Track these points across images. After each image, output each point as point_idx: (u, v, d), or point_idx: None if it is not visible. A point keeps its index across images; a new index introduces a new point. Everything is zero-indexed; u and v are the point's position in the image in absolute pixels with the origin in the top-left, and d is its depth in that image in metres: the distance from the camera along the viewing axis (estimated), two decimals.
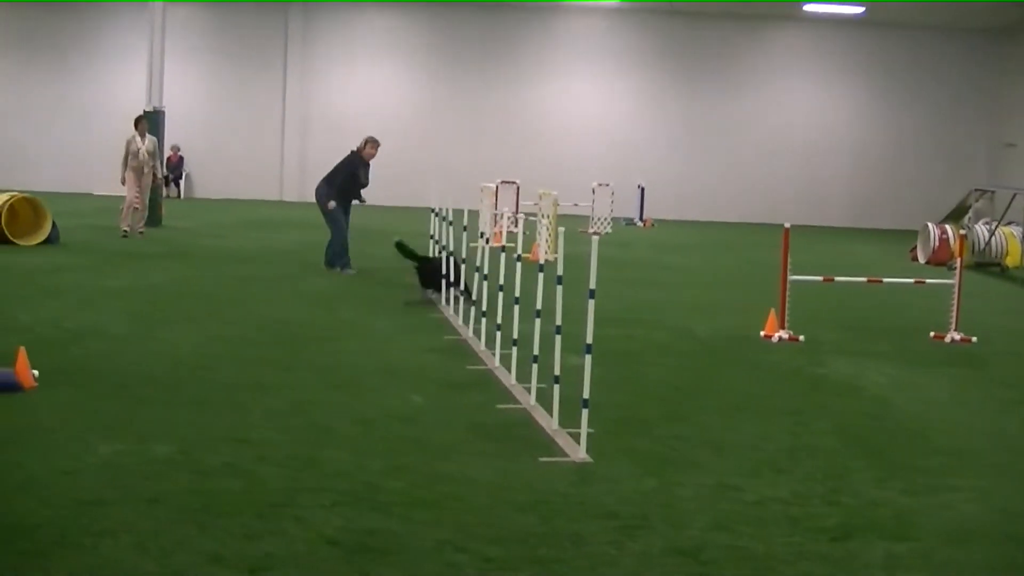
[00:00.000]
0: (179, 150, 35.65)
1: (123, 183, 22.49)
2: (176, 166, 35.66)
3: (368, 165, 18.11)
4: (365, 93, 36.99)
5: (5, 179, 29.66)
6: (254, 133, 36.35)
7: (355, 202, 18.29)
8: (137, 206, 22.35)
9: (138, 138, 22.38)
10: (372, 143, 18.08)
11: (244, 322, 12.96)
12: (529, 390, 9.16)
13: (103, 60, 36.73)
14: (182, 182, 36.12)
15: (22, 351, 9.20)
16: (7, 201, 19.89)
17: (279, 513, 6.35)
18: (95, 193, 34.60)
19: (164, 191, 27.33)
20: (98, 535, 5.92)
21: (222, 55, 36.62)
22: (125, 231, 22.23)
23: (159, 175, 23.54)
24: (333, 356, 11.03)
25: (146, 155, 22.38)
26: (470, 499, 6.73)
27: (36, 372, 9.23)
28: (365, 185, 18.17)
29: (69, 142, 36.32)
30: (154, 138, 23.00)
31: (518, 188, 27.43)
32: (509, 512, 6.52)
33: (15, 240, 19.60)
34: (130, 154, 22.33)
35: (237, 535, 5.98)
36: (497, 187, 24.14)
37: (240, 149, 36.20)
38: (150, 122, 24.81)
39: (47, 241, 20.09)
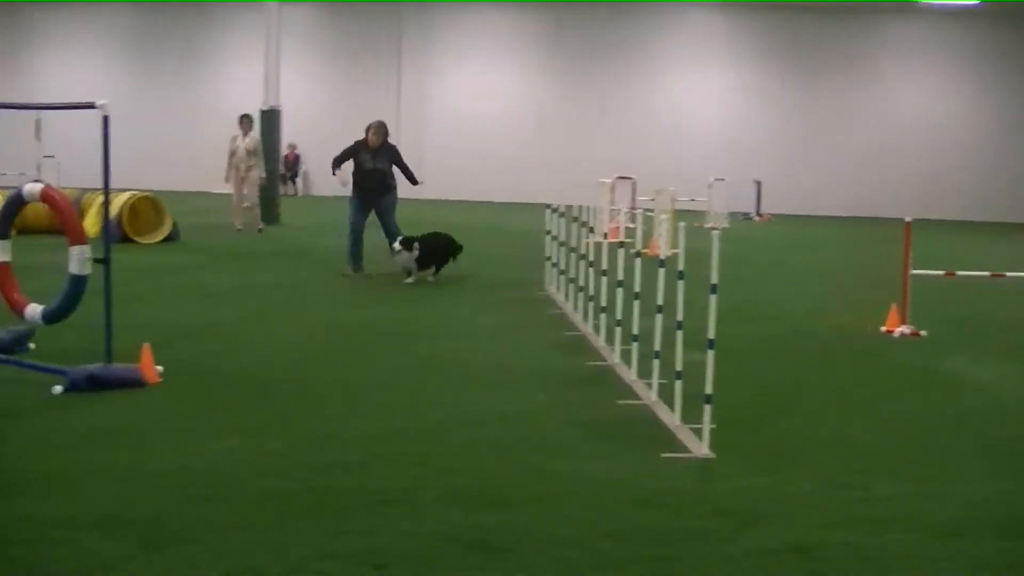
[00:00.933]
0: (295, 148, 36.00)
1: (227, 181, 23.05)
2: (293, 164, 36.02)
3: (374, 151, 16.79)
4: (479, 90, 37.05)
5: (127, 179, 30.06)
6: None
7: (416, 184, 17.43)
8: (246, 204, 22.63)
9: (240, 137, 22.66)
10: (372, 128, 17.03)
11: (359, 320, 13.03)
12: (650, 386, 9.08)
13: (220, 61, 37.24)
14: (299, 180, 36.45)
15: (147, 348, 9.34)
16: (128, 200, 20.23)
17: (394, 509, 6.35)
18: (213, 191, 35.05)
19: (281, 189, 27.60)
20: (215, 530, 5.96)
21: (337, 54, 36.91)
22: (239, 228, 22.67)
23: (261, 174, 23.60)
24: (451, 353, 11.04)
25: (244, 153, 22.61)
26: (589, 495, 6.68)
27: (160, 368, 9.36)
28: (371, 171, 16.75)
29: (188, 141, 36.85)
30: (257, 137, 23.18)
31: (634, 184, 27.30)
32: (629, 508, 6.47)
33: (136, 239, 19.93)
34: (231, 152, 22.72)
35: (352, 531, 5.99)
36: (613, 183, 24.05)
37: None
38: (266, 121, 25.14)
39: (167, 239, 20.41)
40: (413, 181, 17.32)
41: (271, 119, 25.51)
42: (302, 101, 35.02)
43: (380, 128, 16.98)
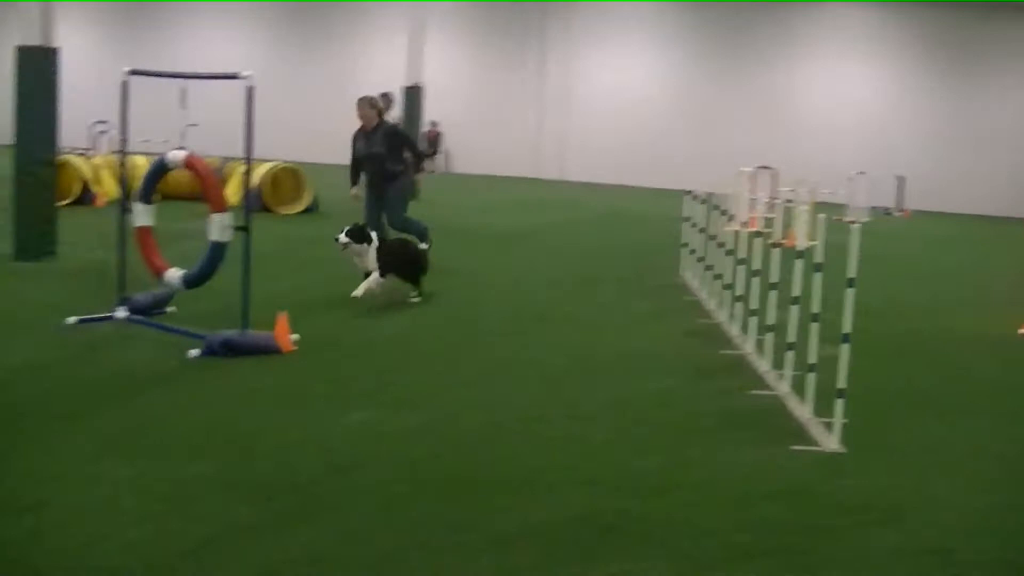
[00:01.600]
0: (437, 126, 36.20)
1: None
2: (434, 142, 36.23)
3: (367, 134, 14.13)
4: (622, 75, 36.90)
5: (268, 149, 30.45)
6: (512, 111, 36.62)
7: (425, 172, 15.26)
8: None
9: None
10: (357, 106, 14.23)
11: (498, 300, 13.06)
12: (783, 377, 8.97)
13: (364, 35, 37.52)
14: (441, 158, 36.66)
15: (283, 316, 9.46)
16: (270, 171, 20.52)
17: (527, 489, 6.35)
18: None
19: (422, 166, 27.78)
20: (351, 500, 6.02)
21: (482, 35, 37.01)
22: None
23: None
24: (586, 337, 11.02)
25: None
26: (720, 484, 6.62)
27: (296, 336, 9.47)
28: (365, 157, 14.13)
29: (331, 114, 37.21)
30: (396, 115, 22.99)
31: (775, 174, 26.98)
32: (759, 499, 6.39)
33: (276, 209, 20.20)
34: None
35: (484, 508, 6.00)
36: (754, 172, 23.81)
37: (498, 127, 36.52)
38: (409, 98, 25.32)
39: (307, 210, 20.65)
40: (418, 156, 14.90)
41: (414, 96, 25.68)
42: (446, 80, 35.17)
43: (362, 104, 14.18)
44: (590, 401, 8.46)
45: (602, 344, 10.70)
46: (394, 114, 22.93)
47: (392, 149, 14.06)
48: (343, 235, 11.76)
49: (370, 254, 11.82)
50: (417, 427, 7.43)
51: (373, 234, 12.05)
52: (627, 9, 36.79)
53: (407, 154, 14.34)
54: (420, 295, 12.39)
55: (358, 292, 11.59)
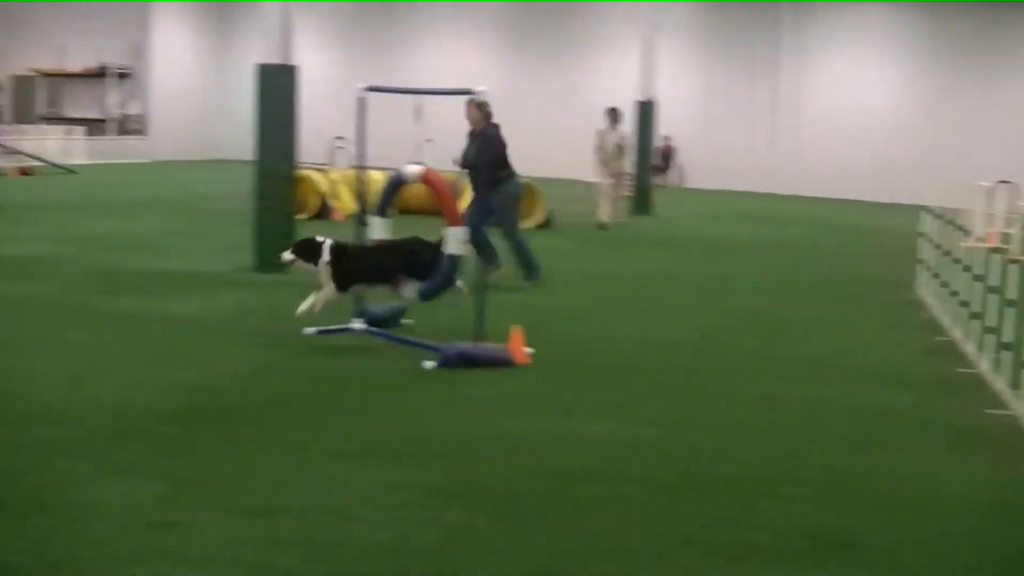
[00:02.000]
0: (670, 140, 36.09)
1: (598, 176, 22.52)
2: (667, 156, 36.14)
3: (473, 137, 13.54)
4: (856, 89, 36.08)
5: None
6: (745, 126, 36.25)
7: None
8: (610, 195, 22.00)
9: (608, 131, 22.31)
10: (465, 105, 13.24)
11: (727, 311, 13.02)
12: (1020, 397, 8.72)
13: (596, 52, 37.62)
14: (674, 172, 36.55)
15: (517, 329, 9.59)
16: None
17: (759, 501, 6.37)
18: (586, 180, 35.53)
19: (655, 180, 27.71)
20: (583, 509, 6.10)
21: (715, 50, 36.71)
22: (602, 224, 21.83)
23: (626, 170, 23.52)
24: (819, 349, 10.92)
25: (610, 146, 22.13)
26: (949, 503, 6.49)
27: (530, 350, 9.59)
28: (469, 165, 13.64)
29: (563, 130, 37.43)
30: (624, 132, 22.64)
31: (1015, 188, 26.12)
32: (992, 522, 6.25)
33: None
34: (598, 146, 22.36)
35: (716, 521, 6.04)
36: (993, 187, 23.11)
37: (730, 141, 36.19)
38: (641, 113, 25.33)
39: (541, 225, 20.83)
40: (492, 166, 13.39)
41: (646, 111, 25.69)
42: (678, 95, 34.98)
43: (469, 105, 13.17)
44: (821, 415, 8.38)
45: (833, 356, 10.57)
46: (622, 128, 22.65)
47: (488, 153, 13.24)
48: (288, 252, 10.46)
49: (323, 269, 10.29)
50: (652, 440, 7.46)
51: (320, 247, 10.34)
52: (861, 24, 35.92)
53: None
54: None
55: (302, 308, 10.27)
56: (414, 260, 10.15)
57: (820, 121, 35.68)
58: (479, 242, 12.63)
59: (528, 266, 13.78)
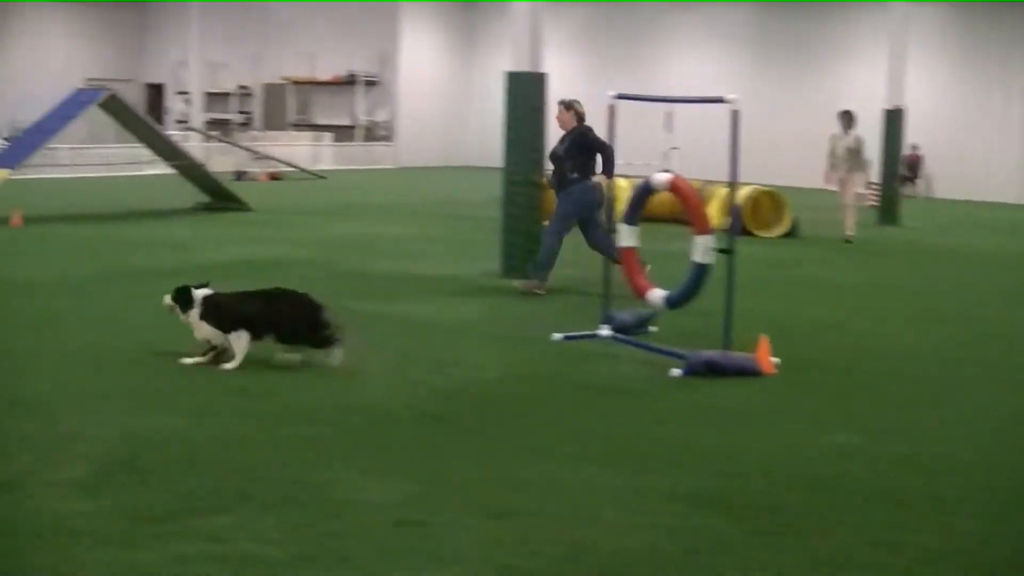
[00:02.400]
0: (918, 149, 35.21)
1: (826, 182, 21.56)
2: (914, 165, 35.26)
3: (563, 137, 13.25)
4: None
5: (745, 172, 30.55)
6: (996, 134, 35.08)
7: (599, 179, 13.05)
8: (850, 204, 20.98)
9: (840, 135, 21.23)
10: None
11: (975, 321, 12.67)
12: None
13: (842, 58, 36.95)
14: (921, 182, 35.65)
15: (764, 338, 9.47)
16: (749, 194, 20.57)
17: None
18: (832, 189, 34.94)
19: (903, 190, 27.04)
20: (828, 522, 5.98)
21: (967, 54, 35.61)
22: (848, 237, 20.68)
23: (865, 176, 22.50)
24: None
25: (844, 152, 21.06)
26: None
27: (776, 360, 9.45)
28: (556, 161, 13.23)
29: (808, 138, 36.86)
30: (859, 136, 21.42)
31: None
32: None
33: (756, 232, 20.22)
34: (830, 151, 21.22)
35: (982, 535, 5.87)
36: None
37: (982, 150, 35.07)
38: (889, 121, 24.74)
39: (787, 234, 20.56)
40: (608, 160, 12.67)
41: (894, 119, 25.09)
42: (928, 102, 34.09)
43: (559, 106, 13.29)
44: None
45: None
46: (855, 134, 21.40)
47: (574, 153, 12.89)
48: (167, 296, 9.33)
49: (192, 320, 9.12)
50: (901, 455, 7.26)
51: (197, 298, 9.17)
52: None
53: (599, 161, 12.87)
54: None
55: (191, 362, 9.08)
56: (280, 313, 9.09)
57: None
58: (548, 241, 13.14)
59: (541, 265, 13.23)
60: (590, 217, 13.04)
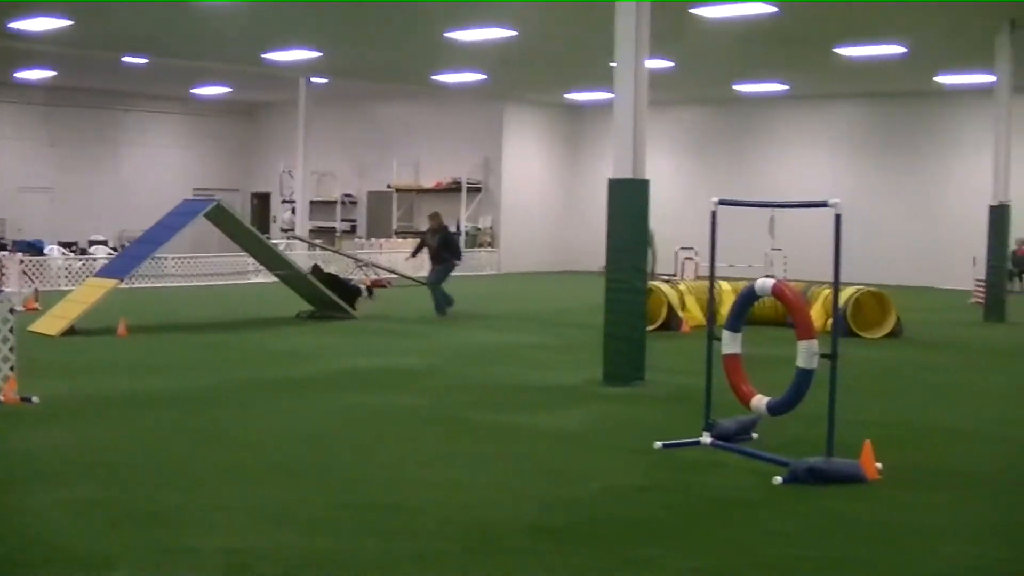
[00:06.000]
0: None
1: None
2: (1022, 260, 34.74)
3: (432, 233, 24.36)
4: None
5: (851, 272, 30.33)
6: None
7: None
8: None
9: None
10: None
11: None
12: None
13: (949, 153, 36.65)
14: None
15: (868, 444, 9.36)
16: (853, 294, 20.41)
17: None
18: (938, 287, 34.58)
19: (1009, 286, 26.65)
20: None
21: None
22: None
23: None
24: None
25: None
26: None
27: (880, 465, 9.34)
28: (431, 248, 24.23)
29: (917, 236, 36.57)
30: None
31: None
32: None
33: (861, 333, 20.03)
34: None
35: None
36: None
37: None
38: (995, 216, 24.51)
39: (891, 334, 20.34)
40: (456, 256, 24.18)
41: (999, 214, 24.81)
42: None
43: (431, 217, 25.03)
44: None
45: None
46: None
47: (444, 245, 23.94)
48: None
49: None
50: (1007, 559, 7.13)
51: None
52: None
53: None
54: None
55: None
56: None
57: None
58: (438, 292, 23.50)
59: (440, 307, 23.38)
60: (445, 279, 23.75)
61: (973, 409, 13.18)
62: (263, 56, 30.71)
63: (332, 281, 22.93)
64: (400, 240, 39.92)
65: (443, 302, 23.35)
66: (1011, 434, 11.72)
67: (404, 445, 10.69)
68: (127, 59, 31.52)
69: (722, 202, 10.51)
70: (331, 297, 22.21)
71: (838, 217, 9.32)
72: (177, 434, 11.04)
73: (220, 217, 21.13)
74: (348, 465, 9.76)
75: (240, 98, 43.91)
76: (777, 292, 9.84)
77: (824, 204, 9.47)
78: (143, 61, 31.86)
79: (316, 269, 23.67)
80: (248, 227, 22.16)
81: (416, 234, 39.83)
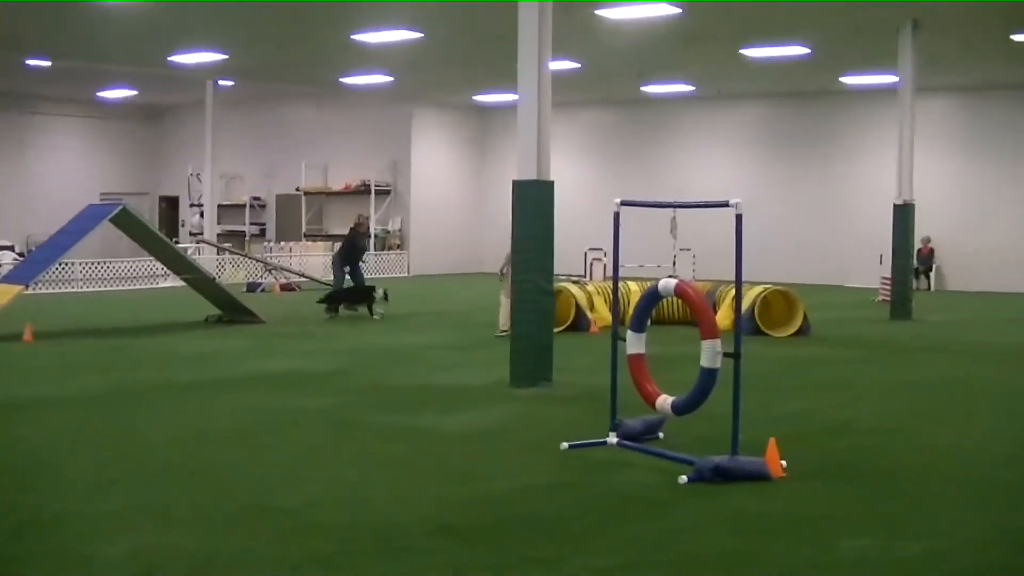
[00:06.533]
0: (929, 242, 35.28)
1: None
2: (927, 258, 35.31)
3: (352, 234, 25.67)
4: None
5: (759, 272, 30.62)
6: (1007, 224, 35.05)
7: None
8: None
9: None
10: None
11: (1010, 420, 12.56)
12: None
13: (851, 154, 37.08)
14: (932, 274, 35.67)
15: (772, 441, 9.43)
16: (760, 293, 20.58)
17: None
18: (845, 285, 35.00)
19: (914, 283, 27.03)
20: None
21: (973, 144, 35.70)
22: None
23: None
24: None
25: None
26: None
27: (784, 463, 9.41)
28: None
29: (820, 234, 37.00)
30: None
31: None
32: None
33: (768, 332, 20.20)
34: None
35: None
36: None
37: (993, 240, 35.06)
38: (899, 216, 24.84)
39: (798, 332, 20.53)
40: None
41: (904, 213, 25.14)
42: (937, 194, 34.21)
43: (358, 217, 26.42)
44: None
45: None
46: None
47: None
48: None
49: None
50: (914, 557, 7.20)
51: None
52: None
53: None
54: None
55: None
56: None
57: None
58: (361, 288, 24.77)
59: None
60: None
61: (877, 405, 13.31)
62: (169, 58, 30.40)
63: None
64: (309, 243, 39.72)
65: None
66: (913, 428, 11.85)
67: (310, 447, 10.64)
68: (30, 61, 31.06)
69: (625, 203, 10.54)
70: (240, 302, 22.04)
71: (739, 217, 9.37)
72: (81, 438, 10.93)
73: (126, 221, 20.88)
74: (253, 468, 9.69)
75: (147, 101, 43.45)
76: (680, 292, 9.88)
77: (725, 204, 9.52)
78: (46, 63, 31.41)
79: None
80: (154, 231, 21.94)
81: (326, 237, 39.81)
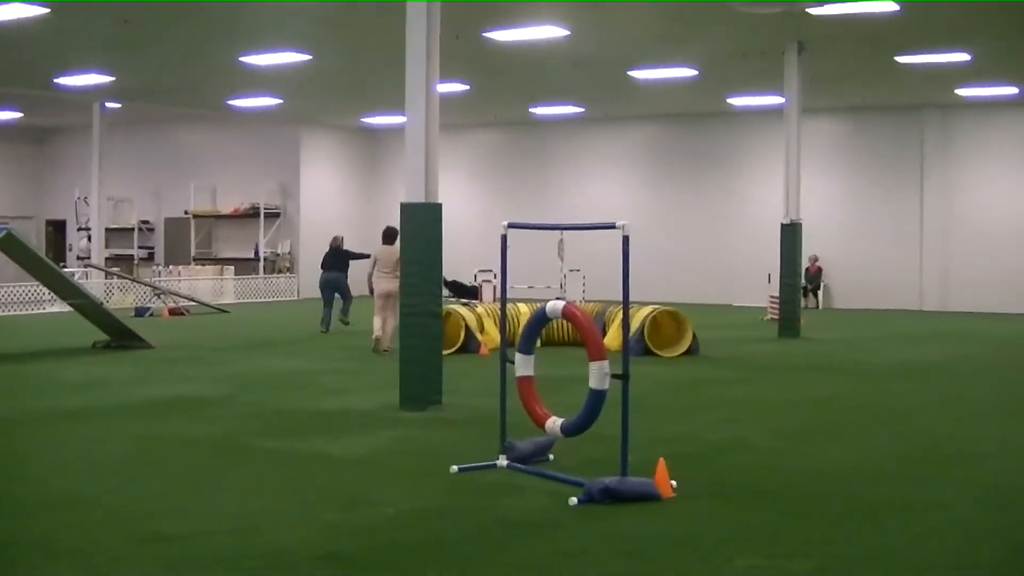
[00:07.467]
0: (817, 260, 35.80)
1: None
2: (814, 276, 35.81)
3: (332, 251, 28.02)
4: (1010, 198, 35.14)
5: (650, 292, 30.84)
6: (892, 242, 35.71)
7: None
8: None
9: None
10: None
11: (895, 438, 12.63)
12: None
13: (740, 173, 37.56)
14: (820, 293, 36.18)
15: (662, 462, 9.46)
16: (650, 313, 20.70)
17: None
18: (734, 304, 35.40)
19: (802, 302, 27.39)
20: None
21: (858, 163, 36.33)
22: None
23: None
24: (993, 477, 10.53)
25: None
26: None
27: (674, 483, 9.45)
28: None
29: (710, 254, 37.41)
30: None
31: None
32: None
33: (658, 352, 20.32)
34: None
35: None
36: None
37: (878, 259, 35.69)
38: (787, 235, 25.15)
39: (688, 352, 20.68)
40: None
41: (791, 232, 25.49)
42: (823, 213, 34.75)
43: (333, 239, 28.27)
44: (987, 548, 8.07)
45: (1006, 484, 10.20)
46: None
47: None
48: None
49: None
50: (804, 575, 7.25)
51: None
52: (1009, 130, 35.04)
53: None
54: None
55: None
56: None
57: (971, 233, 34.91)
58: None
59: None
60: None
61: (765, 424, 13.42)
62: (55, 80, 29.96)
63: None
64: (199, 267, 39.32)
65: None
66: (800, 447, 11.97)
67: (198, 474, 10.46)
68: None
69: (512, 225, 10.54)
70: (127, 327, 21.74)
71: (626, 239, 9.41)
72: None
73: (11, 246, 20.48)
74: (141, 496, 9.51)
75: (32, 123, 42.74)
76: (568, 314, 9.90)
77: (612, 226, 9.55)
78: None
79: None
80: (39, 255, 21.57)
81: (215, 261, 39.41)
